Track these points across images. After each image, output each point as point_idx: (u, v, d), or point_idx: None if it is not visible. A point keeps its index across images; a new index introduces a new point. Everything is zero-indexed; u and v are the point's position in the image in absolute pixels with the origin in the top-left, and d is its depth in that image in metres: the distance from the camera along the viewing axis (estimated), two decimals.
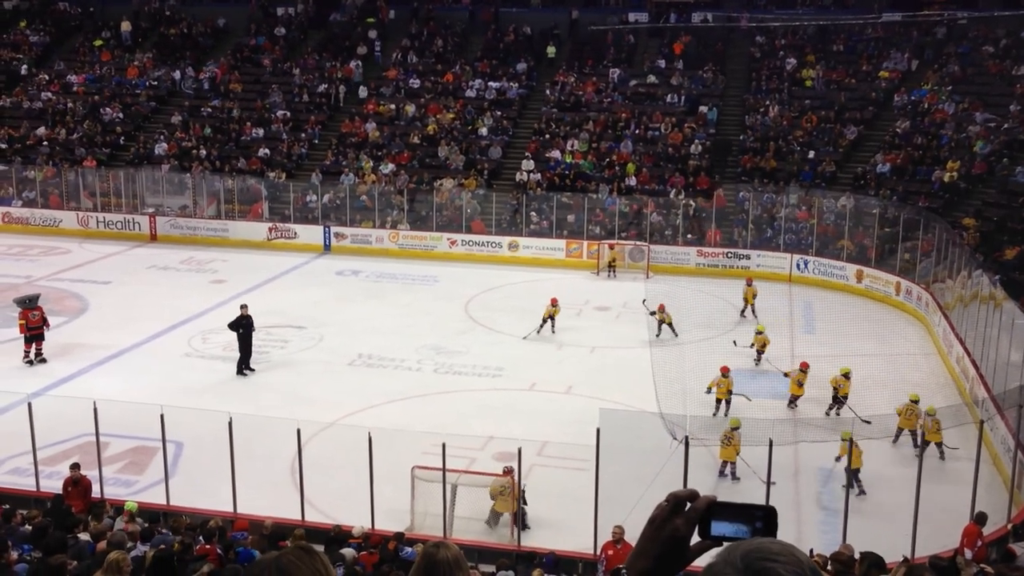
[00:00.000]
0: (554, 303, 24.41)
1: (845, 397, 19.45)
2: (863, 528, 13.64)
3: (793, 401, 19.98)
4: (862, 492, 15.76)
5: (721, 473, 16.79)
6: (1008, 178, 30.00)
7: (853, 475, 15.38)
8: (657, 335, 23.67)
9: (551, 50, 39.46)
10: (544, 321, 24.20)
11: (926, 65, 36.28)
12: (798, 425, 18.59)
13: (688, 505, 1.99)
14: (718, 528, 1.97)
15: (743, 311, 25.81)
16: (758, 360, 22.20)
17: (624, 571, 2.02)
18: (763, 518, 1.98)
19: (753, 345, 22.43)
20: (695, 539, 1.98)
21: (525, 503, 15.05)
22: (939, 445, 17.05)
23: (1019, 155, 30.66)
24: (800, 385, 19.85)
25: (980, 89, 34.27)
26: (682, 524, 1.97)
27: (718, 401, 19.60)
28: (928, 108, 34.07)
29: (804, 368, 19.88)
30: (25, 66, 42.56)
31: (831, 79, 36.53)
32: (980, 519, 13.18)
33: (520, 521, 14.91)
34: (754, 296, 25.83)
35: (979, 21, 36.98)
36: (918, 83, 35.48)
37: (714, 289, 27.25)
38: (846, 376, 19.67)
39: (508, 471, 14.88)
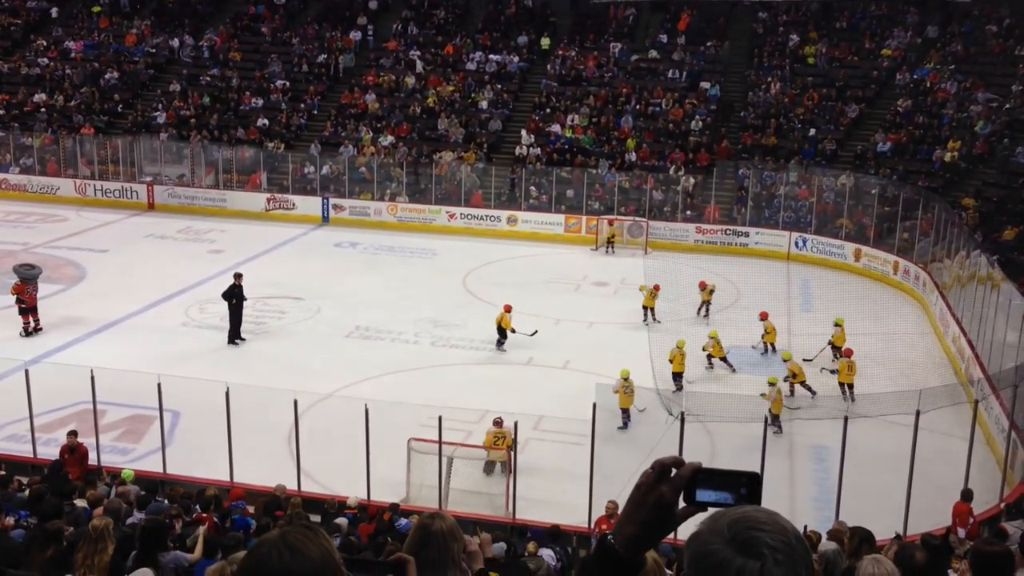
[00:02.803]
0: (656, 288, 23.24)
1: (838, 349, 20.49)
2: (856, 506, 13.70)
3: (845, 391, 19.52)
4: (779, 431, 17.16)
5: (624, 425, 17.70)
6: (1009, 158, 29.93)
7: (775, 418, 17.05)
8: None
9: (545, 41, 38.97)
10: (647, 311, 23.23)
11: (929, 44, 36.09)
12: (793, 402, 18.66)
13: (673, 472, 2.01)
14: (703, 495, 2.00)
15: (700, 310, 24.07)
16: (710, 364, 20.78)
17: (611, 538, 2.04)
18: (747, 484, 2.01)
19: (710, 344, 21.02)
20: (680, 505, 2.00)
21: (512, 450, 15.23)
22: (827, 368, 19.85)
23: (1020, 135, 30.56)
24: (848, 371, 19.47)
25: (982, 69, 34.11)
26: (667, 491, 1.99)
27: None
28: (930, 87, 33.93)
29: (849, 354, 19.52)
30: (56, 8, 42.38)
31: (833, 56, 36.34)
32: (966, 496, 13.27)
33: (512, 467, 15.07)
34: (711, 293, 24.12)
35: (983, 0, 36.76)
36: (920, 62, 35.32)
37: (712, 266, 27.22)
38: (838, 325, 20.94)
39: (498, 421, 15.48)
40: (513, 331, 21.55)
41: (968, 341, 20.49)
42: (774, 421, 17.00)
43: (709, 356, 20.66)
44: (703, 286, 24.24)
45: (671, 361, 19.58)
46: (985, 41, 35.39)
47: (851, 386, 19.20)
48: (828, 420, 16.95)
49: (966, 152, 30.92)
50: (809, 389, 19.10)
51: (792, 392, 19.12)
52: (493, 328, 21.84)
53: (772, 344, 21.46)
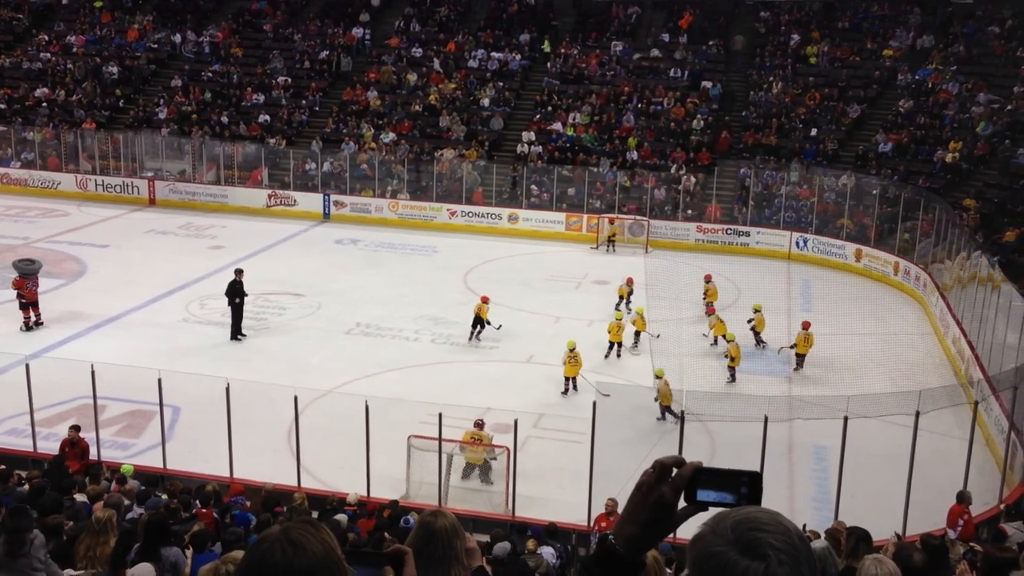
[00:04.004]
0: (629, 283, 24.13)
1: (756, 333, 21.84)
2: (855, 506, 13.71)
3: (800, 362, 20.92)
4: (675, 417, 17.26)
5: (565, 391, 19.06)
6: (1010, 160, 29.93)
7: (666, 409, 17.66)
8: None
9: (547, 44, 38.86)
10: (622, 299, 24.01)
11: (931, 44, 36.06)
12: (793, 402, 18.66)
13: (674, 472, 2.00)
14: (703, 495, 1.99)
15: (708, 311, 23.78)
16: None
17: (611, 538, 2.04)
18: (748, 484, 2.00)
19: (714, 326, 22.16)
20: (681, 505, 2.00)
21: (494, 458, 15.37)
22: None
23: (1021, 137, 30.56)
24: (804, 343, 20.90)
25: (984, 70, 34.11)
26: (668, 491, 1.99)
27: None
28: (932, 88, 33.92)
29: (806, 326, 20.96)
30: None
31: (835, 56, 36.34)
32: (961, 498, 13.28)
33: (487, 475, 15.56)
34: (715, 294, 24.21)
35: (985, 1, 36.74)
36: (922, 62, 35.30)
37: (713, 266, 27.21)
38: (757, 311, 21.95)
39: (479, 424, 15.56)
40: (488, 323, 21.89)
41: (968, 342, 20.50)
42: (664, 412, 17.80)
43: (636, 332, 21.79)
44: (708, 279, 24.45)
45: (609, 331, 21.16)
46: (987, 42, 35.39)
47: (803, 356, 20.81)
48: (828, 420, 16.97)
49: (967, 153, 30.91)
50: (733, 376, 19.98)
51: (732, 377, 19.91)
52: (491, 325, 21.89)
53: (722, 336, 21.54)
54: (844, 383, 19.76)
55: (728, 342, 20.36)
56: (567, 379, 19.18)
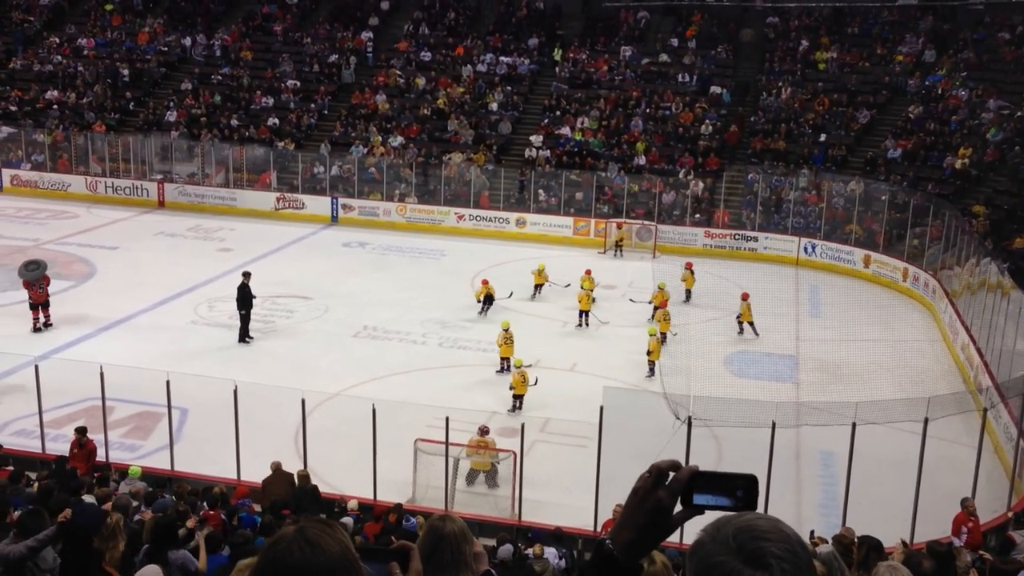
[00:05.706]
0: (582, 277, 24.85)
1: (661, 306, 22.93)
2: (863, 512, 13.68)
3: (741, 328, 22.83)
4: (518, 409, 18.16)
5: (501, 369, 20.09)
6: (1020, 166, 29.81)
7: (518, 399, 18.32)
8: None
9: (557, 52, 38.81)
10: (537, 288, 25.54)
11: (941, 50, 35.98)
12: (801, 408, 18.60)
13: (671, 476, 2.00)
14: (700, 498, 1.98)
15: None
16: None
17: (608, 542, 2.03)
18: (744, 487, 1.99)
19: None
20: (676, 509, 1.99)
21: (498, 462, 15.38)
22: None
23: None
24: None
25: (995, 76, 33.99)
26: (665, 495, 1.98)
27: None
28: (942, 94, 33.83)
29: (745, 297, 22.75)
30: None
31: (845, 62, 36.27)
32: (962, 505, 13.23)
33: (494, 479, 15.63)
34: (691, 281, 25.60)
35: (995, 7, 36.65)
36: (932, 68, 35.21)
37: (720, 271, 27.17)
38: (661, 289, 23.25)
39: (484, 430, 15.56)
40: (493, 298, 23.65)
41: (977, 349, 20.43)
42: (516, 400, 18.32)
43: (537, 286, 24.93)
44: (689, 267, 25.63)
45: (580, 301, 23.40)
46: (997, 48, 35.28)
47: (752, 323, 22.65)
48: (836, 426, 16.92)
49: (977, 159, 30.82)
50: (652, 369, 20.34)
51: (652, 371, 20.18)
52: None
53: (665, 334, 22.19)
54: (852, 389, 19.67)
55: (650, 336, 20.70)
56: (503, 359, 20.16)
